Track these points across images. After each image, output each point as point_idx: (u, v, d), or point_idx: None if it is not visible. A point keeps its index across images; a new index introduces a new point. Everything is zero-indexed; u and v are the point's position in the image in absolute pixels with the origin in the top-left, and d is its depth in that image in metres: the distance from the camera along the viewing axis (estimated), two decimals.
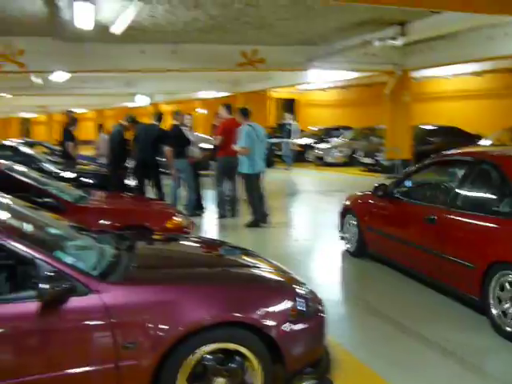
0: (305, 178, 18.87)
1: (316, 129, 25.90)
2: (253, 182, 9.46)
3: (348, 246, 7.49)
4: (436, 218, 5.57)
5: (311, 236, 9.53)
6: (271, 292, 3.63)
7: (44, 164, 11.07)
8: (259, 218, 9.48)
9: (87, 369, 3.05)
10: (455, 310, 5.34)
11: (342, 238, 7.65)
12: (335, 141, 22.25)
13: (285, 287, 3.71)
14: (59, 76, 15.40)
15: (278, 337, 3.35)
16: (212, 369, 3.26)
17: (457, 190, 5.60)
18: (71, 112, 14.17)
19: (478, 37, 12.74)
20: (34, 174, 7.27)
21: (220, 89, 23.92)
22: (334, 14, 10.39)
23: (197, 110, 30.23)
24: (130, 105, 29.13)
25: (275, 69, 15.64)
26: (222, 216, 10.15)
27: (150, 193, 10.44)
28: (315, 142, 22.86)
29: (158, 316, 3.16)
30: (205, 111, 30.03)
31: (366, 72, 17.14)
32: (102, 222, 6.02)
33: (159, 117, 10.73)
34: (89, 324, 3.08)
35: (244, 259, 4.27)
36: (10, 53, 11.91)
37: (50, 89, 19.65)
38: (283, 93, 29.56)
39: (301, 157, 21.85)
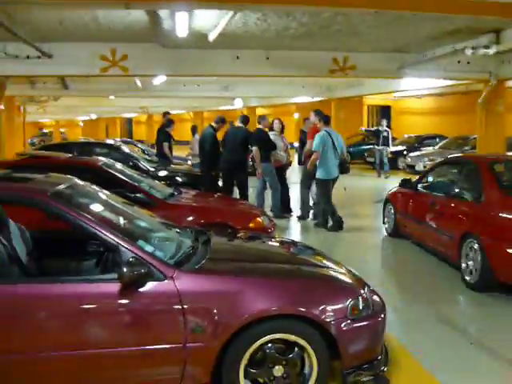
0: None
1: (407, 136, 25.58)
2: (327, 188, 9.70)
3: (386, 226, 9.56)
4: (436, 203, 7.67)
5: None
6: (335, 290, 3.85)
7: (140, 162, 11.73)
8: (336, 223, 9.69)
9: (157, 347, 3.42)
10: None
11: (384, 223, 9.64)
12: (427, 149, 21.90)
13: (348, 287, 3.91)
14: (159, 79, 16.27)
15: (336, 333, 3.57)
16: (272, 357, 3.54)
17: (450, 183, 7.87)
18: (168, 113, 14.84)
19: None
20: (129, 172, 7.84)
21: (314, 94, 24.12)
22: (426, 21, 10.33)
23: (294, 114, 30.66)
24: (227, 108, 29.93)
25: (366, 76, 15.64)
26: (302, 218, 10.41)
27: (236, 194, 10.79)
28: (407, 150, 22.59)
29: (225, 304, 3.47)
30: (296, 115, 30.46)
31: (459, 80, 16.73)
32: (187, 218, 6.43)
33: (244, 119, 11.00)
34: (162, 306, 3.44)
35: (312, 258, 4.52)
36: (115, 58, 12.70)
37: (151, 91, 20.66)
38: (377, 100, 29.37)
39: (392, 164, 21.66)
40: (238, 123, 11.08)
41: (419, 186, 8.63)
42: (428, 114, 28.90)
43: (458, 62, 13.67)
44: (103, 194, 4.55)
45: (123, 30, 10.95)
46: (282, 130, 11.70)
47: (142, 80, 17.82)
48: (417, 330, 5.27)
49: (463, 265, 6.59)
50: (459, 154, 9.37)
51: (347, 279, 4.04)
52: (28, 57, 12.02)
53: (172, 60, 13.00)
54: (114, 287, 3.35)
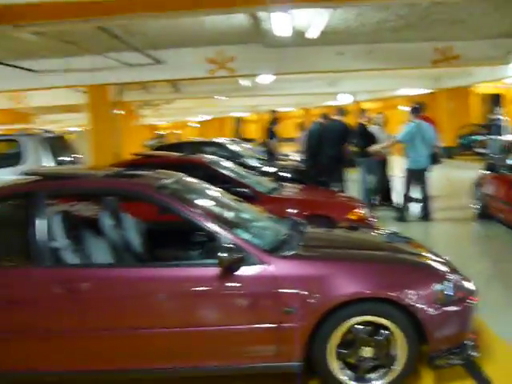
0: None
1: None
2: (415, 178, 9.86)
3: (476, 210, 9.99)
4: None
5: None
6: (423, 276, 3.96)
7: (247, 159, 12.18)
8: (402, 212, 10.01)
9: (253, 326, 3.72)
10: None
11: (474, 204, 10.06)
12: None
13: (436, 273, 4.01)
14: (265, 79, 16.73)
15: (423, 317, 3.70)
16: (361, 338, 3.73)
17: None
18: (274, 111, 15.21)
19: None
20: (234, 168, 8.26)
21: (420, 86, 23.64)
22: None
23: (399, 107, 30.07)
24: (334, 103, 29.93)
25: (471, 65, 15.22)
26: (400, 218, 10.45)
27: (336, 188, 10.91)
28: None
29: (317, 287, 3.70)
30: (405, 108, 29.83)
31: None
32: (288, 210, 6.71)
33: (341, 112, 11.08)
34: (257, 289, 3.73)
35: (405, 246, 4.65)
36: (221, 60, 13.28)
37: (259, 90, 21.20)
38: (488, 88, 28.13)
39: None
40: (335, 116, 11.21)
41: (500, 168, 9.15)
42: None
43: None
44: (206, 188, 4.94)
45: (227, 33, 11.47)
46: (384, 124, 11.71)
47: (249, 79, 18.37)
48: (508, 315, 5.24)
49: None
50: None
51: (437, 266, 4.13)
52: (142, 64, 12.86)
53: (275, 59, 13.38)
54: (215, 271, 3.70)
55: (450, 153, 22.59)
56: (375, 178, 10.87)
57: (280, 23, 9.21)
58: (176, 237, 4.78)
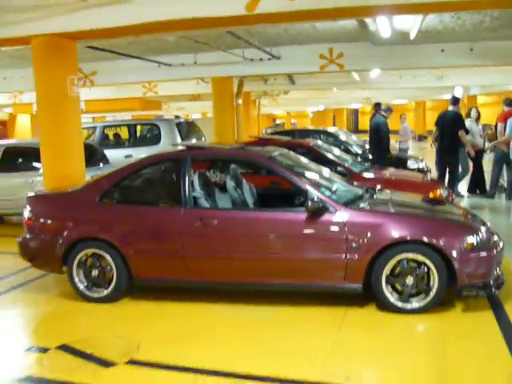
0: None
1: None
2: None
3: None
4: None
5: None
6: (456, 229, 5.40)
7: (352, 147, 13.60)
8: None
9: (330, 255, 5.29)
10: None
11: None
12: None
13: (467, 227, 5.42)
14: (374, 73, 18.00)
15: (453, 258, 5.07)
16: (406, 270, 5.18)
17: None
18: (377, 104, 16.40)
19: None
20: (335, 152, 9.78)
21: None
22: None
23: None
24: (445, 97, 30.23)
25: None
26: (489, 196, 11.45)
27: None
28: None
29: (375, 230, 5.19)
30: None
31: None
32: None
33: (454, 100, 11.57)
34: (333, 230, 5.28)
35: (448, 209, 6.11)
36: (331, 56, 14.72)
37: (370, 83, 22.36)
38: None
39: None
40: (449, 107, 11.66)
41: None
42: None
43: None
44: (303, 161, 6.60)
45: (337, 33, 12.88)
46: (478, 118, 12.67)
47: (359, 74, 19.64)
48: None
49: None
50: None
51: (469, 222, 5.56)
52: (261, 59, 14.59)
53: (381, 56, 14.60)
54: (304, 215, 5.31)
55: None
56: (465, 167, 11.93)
57: (383, 26, 10.53)
58: (279, 195, 6.46)
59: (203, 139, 14.61)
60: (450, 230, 5.35)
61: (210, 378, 4.16)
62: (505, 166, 11.66)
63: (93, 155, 10.26)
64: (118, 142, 14.68)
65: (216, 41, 12.63)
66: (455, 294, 5.26)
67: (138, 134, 14.85)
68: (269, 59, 14.68)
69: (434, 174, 12.17)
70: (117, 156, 11.98)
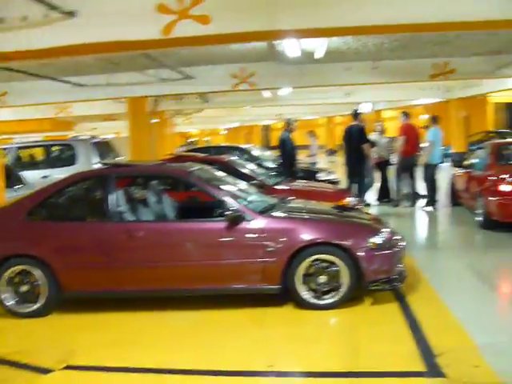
0: None
1: None
2: (433, 170, 12.16)
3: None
4: (468, 177, 10.80)
5: None
6: (360, 230, 6.03)
7: (265, 162, 14.16)
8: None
9: (248, 260, 5.73)
10: None
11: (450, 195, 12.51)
12: None
13: (371, 229, 6.03)
14: (285, 90, 18.81)
15: (360, 257, 5.64)
16: (318, 270, 5.69)
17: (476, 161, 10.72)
18: (290, 120, 17.12)
19: None
20: (249, 166, 10.28)
21: (432, 96, 25.29)
22: None
23: (421, 117, 31.66)
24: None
25: (466, 78, 16.96)
26: (395, 204, 12.36)
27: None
28: None
29: (289, 235, 5.70)
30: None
31: None
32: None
33: (355, 114, 12.37)
34: (251, 236, 5.74)
35: (354, 214, 6.71)
36: (243, 75, 15.28)
37: (281, 100, 23.18)
38: (504, 97, 29.56)
39: None
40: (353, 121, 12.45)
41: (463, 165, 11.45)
42: None
43: None
44: (221, 175, 7.03)
45: (249, 53, 13.43)
46: (383, 131, 13.65)
47: (271, 91, 20.39)
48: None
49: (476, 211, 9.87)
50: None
51: (373, 224, 6.18)
52: (175, 79, 14.95)
53: (290, 74, 15.33)
54: (223, 224, 5.73)
55: (460, 158, 24.23)
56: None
57: (290, 47, 11.17)
58: (200, 207, 6.83)
59: (121, 158, 14.78)
60: (356, 232, 5.96)
61: (149, 375, 4.49)
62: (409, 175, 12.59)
63: (8, 177, 10.25)
64: (33, 163, 14.58)
65: (130, 62, 12.90)
66: (364, 290, 5.82)
67: (54, 155, 14.81)
68: (183, 79, 15.05)
69: (344, 184, 12.91)
70: (33, 177, 11.96)
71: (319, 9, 6.61)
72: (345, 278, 5.68)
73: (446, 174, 13.79)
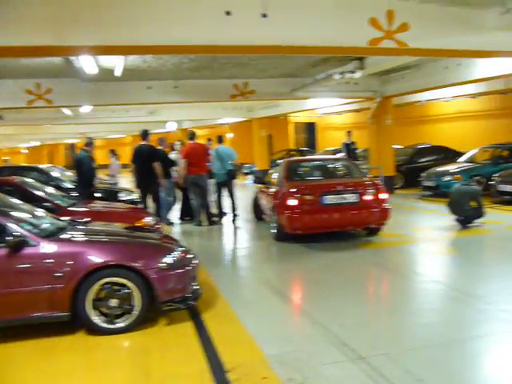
0: None
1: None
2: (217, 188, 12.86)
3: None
4: (266, 192, 11.43)
5: None
6: (152, 250, 5.94)
7: (63, 183, 13.50)
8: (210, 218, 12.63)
9: (35, 288, 5.32)
10: None
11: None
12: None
13: (163, 249, 5.97)
14: (85, 108, 18.20)
15: (152, 278, 5.55)
16: (109, 293, 5.49)
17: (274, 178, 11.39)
18: (89, 138, 16.59)
19: (437, 67, 14.71)
20: (43, 188, 9.68)
21: (236, 115, 26.29)
22: None
23: (227, 135, 32.65)
24: (161, 131, 31.60)
25: (264, 99, 17.93)
26: (197, 223, 12.61)
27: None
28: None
29: (77, 259, 5.41)
30: (231, 135, 32.70)
31: (350, 98, 19.07)
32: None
33: (144, 134, 12.07)
34: (36, 262, 5.35)
35: (147, 235, 6.61)
36: (39, 91, 14.53)
37: (83, 118, 22.48)
38: (303, 117, 31.73)
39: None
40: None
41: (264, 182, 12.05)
42: (347, 128, 31.27)
43: (346, 83, 16.03)
44: (8, 199, 6.49)
45: (44, 68, 12.81)
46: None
47: (72, 109, 19.64)
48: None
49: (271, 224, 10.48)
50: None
51: (165, 244, 6.13)
52: None
53: (90, 92, 14.93)
54: (3, 251, 5.28)
55: (263, 175, 25.38)
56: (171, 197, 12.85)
57: (87, 63, 10.81)
58: None
59: None
60: (146, 252, 5.85)
61: None
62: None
63: None
64: None
65: None
66: (158, 310, 5.73)
67: None
68: None
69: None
70: None
71: (101, 28, 6.69)
72: (137, 300, 5.54)
73: (250, 191, 14.35)
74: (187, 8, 7.13)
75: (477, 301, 6.29)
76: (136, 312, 5.55)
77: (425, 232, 10.89)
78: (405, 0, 8.07)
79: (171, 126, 29.23)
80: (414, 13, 8.21)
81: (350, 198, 9.72)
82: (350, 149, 19.59)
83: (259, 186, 12.41)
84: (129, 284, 5.52)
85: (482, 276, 7.50)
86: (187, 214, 13.19)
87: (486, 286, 6.95)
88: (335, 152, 25.56)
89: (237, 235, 11.97)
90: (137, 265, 5.54)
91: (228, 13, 7.11)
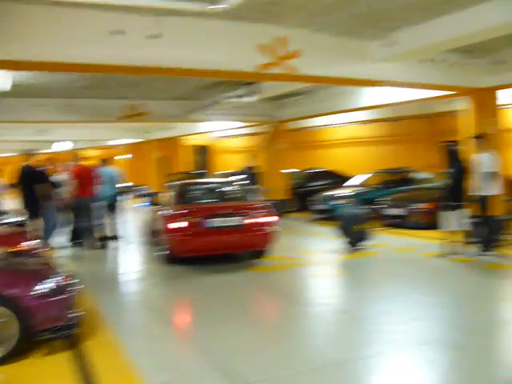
0: None
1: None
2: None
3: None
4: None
5: None
6: (28, 277, 5.59)
7: None
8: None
9: None
10: None
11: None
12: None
13: (39, 274, 5.67)
14: None
15: (29, 306, 5.25)
16: None
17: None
18: None
19: (328, 94, 15.21)
20: None
21: (133, 136, 25.90)
22: None
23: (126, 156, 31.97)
24: (51, 150, 30.49)
25: (160, 121, 17.79)
26: (89, 247, 12.23)
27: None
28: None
29: None
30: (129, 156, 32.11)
31: (246, 122, 19.29)
32: None
33: (28, 154, 11.98)
34: None
35: (26, 261, 6.29)
36: None
37: None
38: (197, 140, 31.66)
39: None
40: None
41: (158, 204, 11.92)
42: (242, 152, 31.60)
43: (241, 106, 16.16)
44: None
45: None
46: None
47: None
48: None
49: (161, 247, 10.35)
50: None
51: (42, 269, 5.86)
52: None
53: None
54: None
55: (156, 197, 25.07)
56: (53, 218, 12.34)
57: None
58: None
59: None
60: (22, 279, 5.52)
61: None
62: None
63: None
64: None
65: None
66: (36, 340, 5.42)
67: None
68: None
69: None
70: None
71: None
72: (13, 330, 5.22)
73: (142, 214, 14.06)
74: (75, 26, 6.96)
75: (366, 322, 6.45)
76: (12, 342, 5.23)
77: (315, 255, 11.11)
78: (299, 28, 8.31)
79: (60, 146, 28.25)
80: (306, 41, 8.48)
81: (233, 221, 9.76)
82: (251, 172, 19.33)
83: (153, 208, 12.23)
84: (4, 312, 5.19)
85: (371, 297, 7.67)
86: (78, 237, 12.71)
87: (374, 307, 7.12)
88: (231, 175, 25.76)
89: (126, 258, 11.71)
90: (10, 292, 5.24)
91: (119, 32, 7.00)
